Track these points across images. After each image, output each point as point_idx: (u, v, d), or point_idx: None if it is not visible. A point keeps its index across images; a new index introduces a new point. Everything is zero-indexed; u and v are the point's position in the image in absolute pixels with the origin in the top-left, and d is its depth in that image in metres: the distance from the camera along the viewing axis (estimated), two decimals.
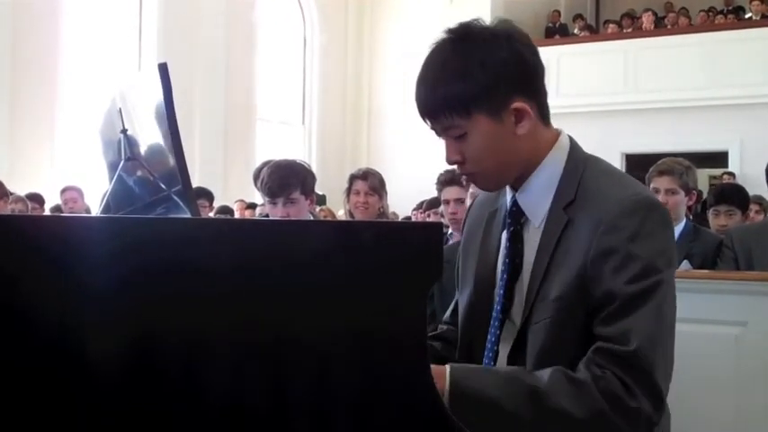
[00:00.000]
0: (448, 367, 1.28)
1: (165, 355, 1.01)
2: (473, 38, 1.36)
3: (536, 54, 1.40)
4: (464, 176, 1.48)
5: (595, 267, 1.31)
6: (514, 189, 1.45)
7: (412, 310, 1.07)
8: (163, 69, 1.34)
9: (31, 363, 0.98)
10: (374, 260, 1.06)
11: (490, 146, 1.38)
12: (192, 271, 1.01)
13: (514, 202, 1.45)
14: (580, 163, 1.42)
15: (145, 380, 1.00)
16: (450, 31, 1.39)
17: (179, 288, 1.01)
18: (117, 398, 1.00)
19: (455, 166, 1.45)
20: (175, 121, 1.35)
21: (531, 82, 1.39)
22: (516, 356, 1.39)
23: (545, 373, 1.27)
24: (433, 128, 1.41)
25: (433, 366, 1.22)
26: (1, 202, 5.06)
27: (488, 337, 1.45)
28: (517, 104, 1.36)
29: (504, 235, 1.48)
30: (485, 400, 1.25)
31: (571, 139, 1.46)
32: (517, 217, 1.45)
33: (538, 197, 1.42)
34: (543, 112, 1.42)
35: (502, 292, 1.45)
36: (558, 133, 1.45)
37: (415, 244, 1.08)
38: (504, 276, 1.45)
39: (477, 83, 1.34)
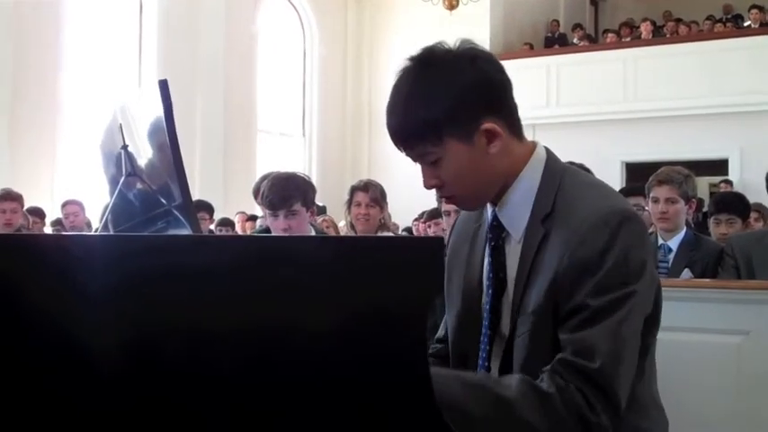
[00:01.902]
0: None
1: (167, 374, 1.02)
2: (436, 62, 1.36)
3: (502, 71, 1.40)
4: (444, 198, 1.48)
5: (565, 279, 1.31)
6: (494, 204, 1.45)
7: (413, 325, 1.07)
8: (163, 86, 1.35)
9: (34, 374, 0.98)
10: (375, 275, 1.06)
11: (465, 169, 1.38)
12: (196, 288, 1.02)
13: (494, 217, 1.46)
14: (557, 174, 1.42)
15: (145, 397, 1.01)
16: (412, 58, 1.38)
17: (183, 304, 1.01)
18: (119, 408, 1.00)
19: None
20: (176, 136, 1.35)
21: (498, 101, 1.39)
22: (505, 370, 1.39)
23: (512, 383, 1.28)
24: (408, 155, 1.41)
25: None
26: (17, 215, 5.20)
27: (479, 353, 1.46)
28: (487, 125, 1.36)
29: (487, 250, 1.48)
30: (453, 405, 1.21)
31: (548, 151, 1.46)
32: (498, 232, 1.45)
33: (516, 211, 1.42)
34: (515, 129, 1.41)
35: (488, 307, 1.45)
36: (533, 146, 1.45)
37: (417, 258, 1.08)
38: (490, 292, 1.45)
39: (445, 108, 1.33)
